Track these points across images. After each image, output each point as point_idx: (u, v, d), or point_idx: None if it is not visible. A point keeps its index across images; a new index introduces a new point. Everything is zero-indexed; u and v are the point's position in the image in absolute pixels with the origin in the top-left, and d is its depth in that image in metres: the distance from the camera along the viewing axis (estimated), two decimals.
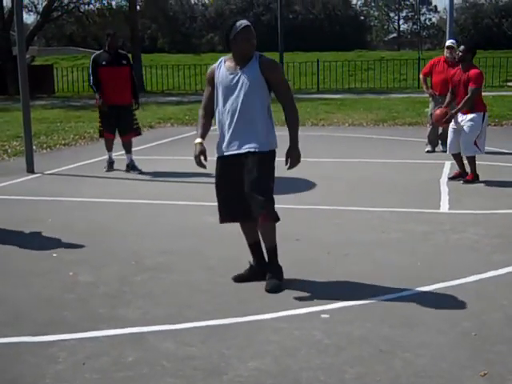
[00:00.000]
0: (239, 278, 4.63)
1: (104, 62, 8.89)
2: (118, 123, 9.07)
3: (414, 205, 6.83)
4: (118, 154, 9.61)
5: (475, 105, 7.75)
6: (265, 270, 4.62)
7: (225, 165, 4.43)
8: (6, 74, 26.47)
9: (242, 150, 4.34)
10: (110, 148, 9.24)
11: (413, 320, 3.90)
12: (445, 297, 4.29)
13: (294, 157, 4.47)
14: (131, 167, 9.13)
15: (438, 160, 9.49)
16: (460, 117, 7.85)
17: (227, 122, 4.36)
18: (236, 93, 4.29)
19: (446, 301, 4.21)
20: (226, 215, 4.55)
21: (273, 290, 4.39)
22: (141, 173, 8.99)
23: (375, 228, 5.97)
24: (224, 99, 4.35)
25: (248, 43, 4.25)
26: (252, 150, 4.33)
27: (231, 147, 4.37)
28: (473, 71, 7.71)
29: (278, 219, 4.46)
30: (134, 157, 9.26)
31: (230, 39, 4.27)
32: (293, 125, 4.44)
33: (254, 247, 4.67)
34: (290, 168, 4.51)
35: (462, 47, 7.84)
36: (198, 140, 4.46)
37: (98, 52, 9.16)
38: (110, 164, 9.25)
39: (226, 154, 4.40)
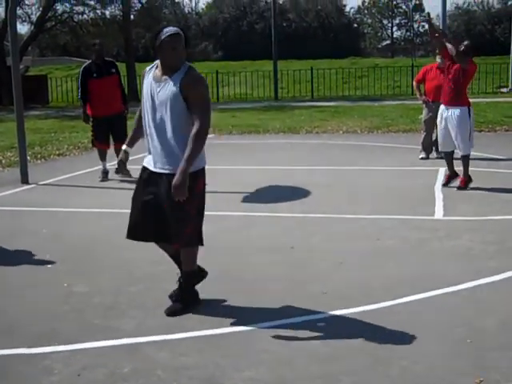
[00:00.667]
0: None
1: (95, 74, 8.92)
2: (112, 131, 9.13)
3: (409, 212, 6.84)
4: (113, 163, 9.60)
5: (460, 99, 7.78)
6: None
7: (144, 175, 4.21)
8: (0, 85, 26.46)
9: (158, 170, 4.08)
10: (103, 158, 9.28)
11: (409, 327, 3.90)
12: (440, 304, 4.29)
13: (176, 180, 3.90)
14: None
15: (432, 167, 9.51)
16: (445, 112, 7.88)
17: (148, 133, 4.13)
18: (156, 105, 4.03)
19: (442, 308, 4.21)
20: (133, 231, 4.25)
21: (171, 313, 4.17)
22: (130, 177, 8.92)
23: (370, 235, 5.98)
24: (146, 109, 4.11)
25: (173, 52, 3.97)
26: (167, 171, 4.03)
27: (151, 162, 4.13)
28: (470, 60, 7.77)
29: (192, 245, 4.21)
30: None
31: (155, 46, 4.01)
32: (192, 148, 3.90)
33: (175, 259, 4.41)
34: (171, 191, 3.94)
35: (466, 42, 7.85)
36: (124, 147, 4.34)
37: (86, 64, 9.14)
38: (105, 174, 9.25)
39: (145, 165, 4.20)
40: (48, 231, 6.43)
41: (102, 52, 9.11)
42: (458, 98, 7.77)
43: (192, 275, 4.34)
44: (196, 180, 4.05)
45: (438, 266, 5.07)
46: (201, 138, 3.96)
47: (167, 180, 4.01)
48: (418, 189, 8.04)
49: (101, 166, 9.31)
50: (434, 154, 10.36)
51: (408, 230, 6.15)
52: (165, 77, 4.04)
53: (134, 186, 8.41)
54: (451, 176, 8.09)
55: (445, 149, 8.09)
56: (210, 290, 4.58)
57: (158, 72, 4.09)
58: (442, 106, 7.96)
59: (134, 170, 9.37)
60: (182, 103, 3.98)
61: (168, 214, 4.08)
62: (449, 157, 8.08)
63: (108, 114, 8.97)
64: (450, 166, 8.10)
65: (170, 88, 3.99)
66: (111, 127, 9.08)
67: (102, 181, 9.15)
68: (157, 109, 4.04)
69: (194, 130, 3.94)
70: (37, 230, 6.50)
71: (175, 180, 3.90)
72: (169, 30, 4.00)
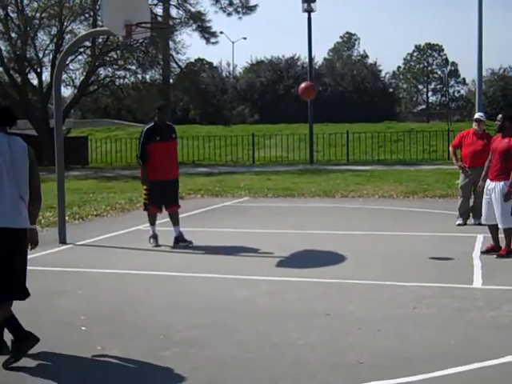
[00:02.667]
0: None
1: (158, 138, 8.69)
2: (166, 196, 8.88)
3: (447, 279, 6.72)
4: (143, 226, 9.68)
5: (504, 173, 7.69)
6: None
7: None
8: (42, 146, 27.18)
9: None
10: (153, 222, 8.97)
11: None
12: (482, 377, 4.16)
13: None
14: (181, 240, 8.88)
15: (469, 233, 9.38)
16: (490, 185, 7.81)
17: None
18: None
19: (483, 382, 4.08)
20: None
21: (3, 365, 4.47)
22: (191, 244, 8.79)
23: (407, 303, 5.87)
24: None
25: None
26: None
27: None
28: None
29: None
30: (181, 228, 9.01)
31: None
32: None
33: None
34: None
35: (499, 116, 7.88)
36: None
37: (149, 125, 8.89)
38: (156, 238, 8.90)
39: None
40: (83, 292, 6.47)
41: (166, 115, 8.95)
42: (503, 173, 7.70)
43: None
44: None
45: (477, 337, 4.94)
46: None
47: None
48: (455, 256, 7.90)
49: (138, 227, 9.31)
50: (471, 221, 10.23)
51: (446, 298, 6.02)
52: None
53: (169, 249, 8.35)
54: (494, 248, 7.94)
55: (488, 222, 7.96)
56: (244, 356, 4.53)
57: None
58: (489, 180, 7.91)
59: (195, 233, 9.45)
60: None
61: None
62: (493, 228, 7.95)
63: (165, 178, 8.76)
64: (495, 238, 7.96)
65: None
66: (166, 192, 8.83)
67: (156, 245, 8.79)
68: None
69: None
70: (72, 290, 6.54)
71: None
72: None
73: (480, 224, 8.82)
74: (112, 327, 5.32)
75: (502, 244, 7.86)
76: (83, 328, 5.30)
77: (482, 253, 7.96)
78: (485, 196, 7.98)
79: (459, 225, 10.22)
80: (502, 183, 7.69)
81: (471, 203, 10.29)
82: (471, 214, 10.26)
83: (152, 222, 9.00)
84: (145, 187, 8.90)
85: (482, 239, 8.74)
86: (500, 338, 4.88)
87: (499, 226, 7.83)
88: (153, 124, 8.90)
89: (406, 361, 4.43)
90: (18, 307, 5.77)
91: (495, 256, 7.77)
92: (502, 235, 7.87)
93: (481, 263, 7.45)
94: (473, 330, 5.09)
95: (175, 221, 9.02)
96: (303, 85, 8.46)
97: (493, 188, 7.79)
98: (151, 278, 7.13)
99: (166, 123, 8.98)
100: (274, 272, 7.26)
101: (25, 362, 4.53)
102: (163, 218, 9.40)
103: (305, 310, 5.68)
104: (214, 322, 5.40)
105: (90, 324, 5.38)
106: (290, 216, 11.83)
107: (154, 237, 8.95)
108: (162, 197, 8.88)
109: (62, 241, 9.24)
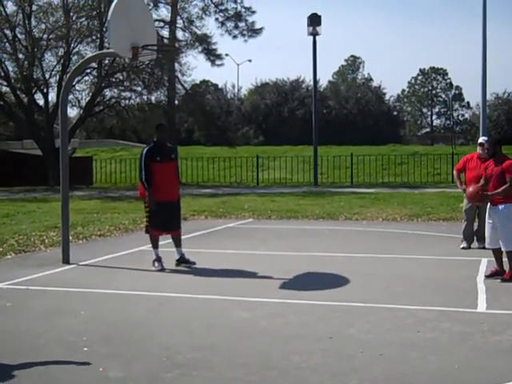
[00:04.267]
0: None
1: (158, 158, 8.65)
2: (169, 218, 8.79)
3: (450, 303, 6.68)
4: (147, 246, 9.68)
5: (504, 197, 7.73)
6: None
7: None
8: (47, 166, 27.29)
9: None
10: (157, 245, 8.83)
11: None
12: None
13: None
14: (183, 261, 8.86)
15: (474, 257, 9.34)
16: (492, 208, 7.84)
17: None
18: None
19: None
20: None
21: None
22: (194, 265, 8.76)
23: (410, 327, 5.84)
24: None
25: None
26: None
27: None
28: (507, 162, 7.78)
29: None
30: (184, 250, 8.98)
31: None
32: None
33: None
34: None
35: (486, 144, 8.07)
36: None
37: (149, 146, 8.85)
38: (160, 260, 8.76)
39: None
40: (86, 313, 6.45)
41: (165, 135, 8.89)
42: (502, 196, 7.73)
43: None
44: None
45: (481, 362, 4.90)
46: None
47: None
48: (459, 279, 7.88)
49: (141, 248, 9.31)
50: (475, 244, 10.20)
51: (449, 322, 5.99)
52: None
53: (172, 270, 8.29)
54: (498, 272, 7.92)
55: (492, 245, 7.96)
56: (247, 378, 4.50)
57: None
58: (490, 204, 7.93)
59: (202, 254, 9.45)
60: None
61: None
62: (496, 252, 7.93)
63: (168, 198, 8.67)
64: (499, 262, 7.94)
65: None
66: (168, 214, 8.72)
67: (162, 269, 8.63)
68: None
69: None
70: (75, 310, 6.52)
71: None
72: None
73: (484, 248, 8.80)
74: (114, 348, 5.30)
75: (507, 268, 7.84)
76: (85, 349, 5.28)
77: (487, 277, 7.92)
78: (487, 220, 8.00)
79: (463, 248, 10.19)
80: (502, 206, 7.71)
81: (475, 227, 10.26)
82: (475, 238, 10.24)
83: (155, 246, 8.85)
84: (147, 210, 8.80)
85: (486, 263, 8.71)
86: (504, 363, 4.85)
87: (502, 249, 7.83)
88: (152, 145, 8.86)
89: None
90: (19, 327, 5.77)
91: (499, 280, 7.74)
92: (506, 259, 7.85)
93: (485, 287, 7.41)
94: (477, 355, 5.06)
95: (178, 243, 8.97)
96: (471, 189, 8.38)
97: (494, 211, 7.81)
98: (153, 298, 7.11)
99: (166, 143, 8.92)
100: (276, 294, 7.23)
101: (25, 382, 4.51)
102: (165, 239, 9.40)
103: (307, 333, 5.65)
104: (215, 343, 5.38)
105: (92, 345, 5.36)
106: (294, 238, 11.81)
107: (159, 260, 8.79)
108: (164, 220, 8.76)
109: (66, 261, 9.23)
